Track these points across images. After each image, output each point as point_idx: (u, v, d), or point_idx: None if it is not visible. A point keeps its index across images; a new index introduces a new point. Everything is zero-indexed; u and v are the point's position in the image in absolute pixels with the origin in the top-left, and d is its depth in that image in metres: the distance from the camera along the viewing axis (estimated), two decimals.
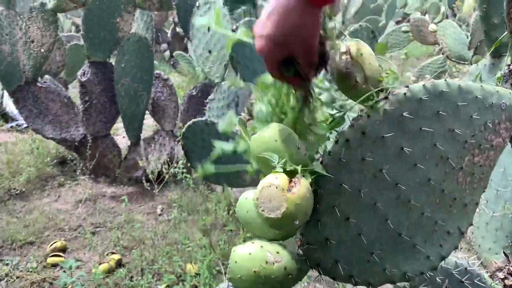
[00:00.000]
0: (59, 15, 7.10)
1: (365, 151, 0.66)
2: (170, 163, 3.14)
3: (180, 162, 3.13)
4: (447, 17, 7.47)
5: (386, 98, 0.69)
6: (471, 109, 0.79)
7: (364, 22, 5.52)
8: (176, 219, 2.70)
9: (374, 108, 0.67)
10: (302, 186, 0.60)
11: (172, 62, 6.94)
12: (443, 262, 0.98)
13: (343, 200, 0.67)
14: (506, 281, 1.30)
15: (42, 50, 3.16)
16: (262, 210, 0.60)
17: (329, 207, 0.66)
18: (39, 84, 3.21)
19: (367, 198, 0.68)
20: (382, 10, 7.50)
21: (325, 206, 0.66)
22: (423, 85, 0.72)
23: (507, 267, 1.35)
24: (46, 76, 3.52)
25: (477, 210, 1.50)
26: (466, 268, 1.04)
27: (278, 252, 0.67)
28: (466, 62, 3.84)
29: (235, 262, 0.66)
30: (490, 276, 1.32)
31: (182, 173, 3.06)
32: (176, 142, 3.26)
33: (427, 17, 7.52)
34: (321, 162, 0.66)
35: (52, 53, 3.36)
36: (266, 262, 0.65)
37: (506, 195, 1.41)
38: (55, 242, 2.50)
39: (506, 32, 0.96)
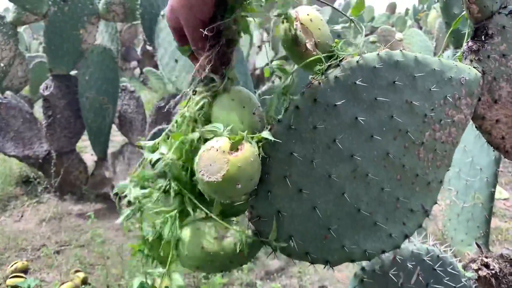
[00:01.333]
0: (26, 34, 6.97)
1: (316, 119, 0.62)
2: None
3: None
4: None
5: (338, 65, 0.65)
6: (429, 82, 0.76)
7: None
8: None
9: (325, 75, 0.63)
10: (246, 149, 0.55)
11: (142, 79, 6.86)
12: (414, 247, 0.94)
13: (294, 171, 0.62)
14: (480, 272, 1.27)
15: (2, 65, 3.06)
16: (202, 175, 0.55)
17: (280, 178, 0.61)
18: None
19: (321, 169, 0.63)
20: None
21: (276, 176, 0.61)
22: (377, 53, 0.69)
23: (480, 258, 1.32)
24: (8, 92, 3.40)
25: (448, 202, 1.49)
26: (438, 256, 1.00)
27: (227, 228, 0.61)
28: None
29: (182, 239, 0.61)
30: (464, 268, 1.29)
31: None
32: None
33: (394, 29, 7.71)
34: (270, 130, 0.61)
35: (13, 68, 3.25)
36: (215, 238, 0.60)
37: (475, 185, 1.39)
38: (15, 263, 2.37)
39: (463, 12, 0.94)
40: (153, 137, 2.14)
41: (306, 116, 0.62)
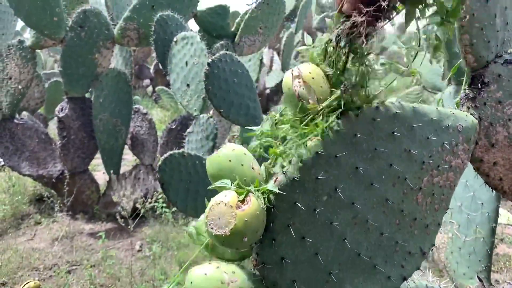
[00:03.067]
0: (42, 53, 7.16)
1: (319, 171, 0.67)
2: (150, 198, 3.10)
3: (160, 196, 3.10)
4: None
5: (338, 119, 0.70)
6: (427, 131, 0.81)
7: None
8: (155, 255, 2.64)
9: (326, 129, 0.68)
10: (252, 204, 0.60)
11: (154, 97, 6.98)
12: (413, 284, 0.98)
13: (298, 219, 0.66)
14: None
15: (20, 87, 3.15)
16: (211, 228, 0.60)
17: (284, 226, 0.66)
18: (16, 121, 3.19)
19: (323, 217, 0.68)
20: None
21: (280, 225, 0.66)
22: (376, 107, 0.74)
23: None
24: (24, 113, 3.50)
25: (450, 235, 1.51)
26: None
27: (234, 272, 0.66)
28: (441, 92, 3.94)
29: (191, 282, 0.66)
30: None
31: (162, 207, 3.03)
32: (154, 176, 3.24)
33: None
34: (275, 181, 0.66)
35: (30, 89, 3.35)
36: (222, 283, 0.64)
37: (477, 219, 1.42)
38: (28, 282, 2.41)
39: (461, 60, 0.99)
40: (164, 162, 2.20)
41: (309, 168, 0.66)
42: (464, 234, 1.41)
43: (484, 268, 1.38)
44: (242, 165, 0.67)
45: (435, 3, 0.69)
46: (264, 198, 0.64)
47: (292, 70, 0.71)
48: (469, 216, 1.40)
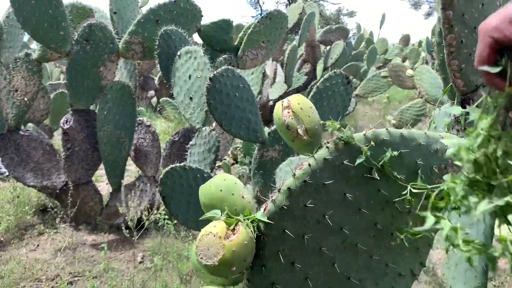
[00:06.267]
0: (48, 64, 7.23)
1: (307, 198, 0.69)
2: (151, 210, 3.13)
3: (162, 208, 3.13)
4: (426, 63, 7.74)
5: (326, 147, 0.72)
6: (415, 156, 0.83)
7: (345, 68, 5.71)
8: (156, 267, 2.66)
9: (314, 157, 0.71)
10: (241, 233, 0.63)
11: (158, 108, 7.03)
12: None
13: (287, 246, 0.69)
14: None
15: (26, 99, 3.21)
16: (201, 258, 0.62)
17: (273, 253, 0.68)
18: (21, 132, 3.24)
19: (312, 243, 0.70)
20: (364, 56, 7.76)
21: (270, 251, 0.68)
22: (364, 134, 0.76)
23: None
24: (29, 124, 3.55)
25: (449, 250, 1.52)
26: None
27: None
28: (438, 107, 3.95)
29: None
30: None
31: (164, 219, 3.05)
32: (157, 188, 3.26)
33: (407, 62, 7.78)
34: (264, 210, 0.69)
35: (35, 101, 3.40)
36: None
37: (473, 235, 1.43)
38: None
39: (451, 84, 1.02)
40: (165, 175, 2.23)
41: (297, 196, 0.69)
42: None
43: (480, 284, 1.39)
44: (232, 194, 0.69)
45: None
46: (253, 226, 0.66)
47: (282, 101, 0.74)
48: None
